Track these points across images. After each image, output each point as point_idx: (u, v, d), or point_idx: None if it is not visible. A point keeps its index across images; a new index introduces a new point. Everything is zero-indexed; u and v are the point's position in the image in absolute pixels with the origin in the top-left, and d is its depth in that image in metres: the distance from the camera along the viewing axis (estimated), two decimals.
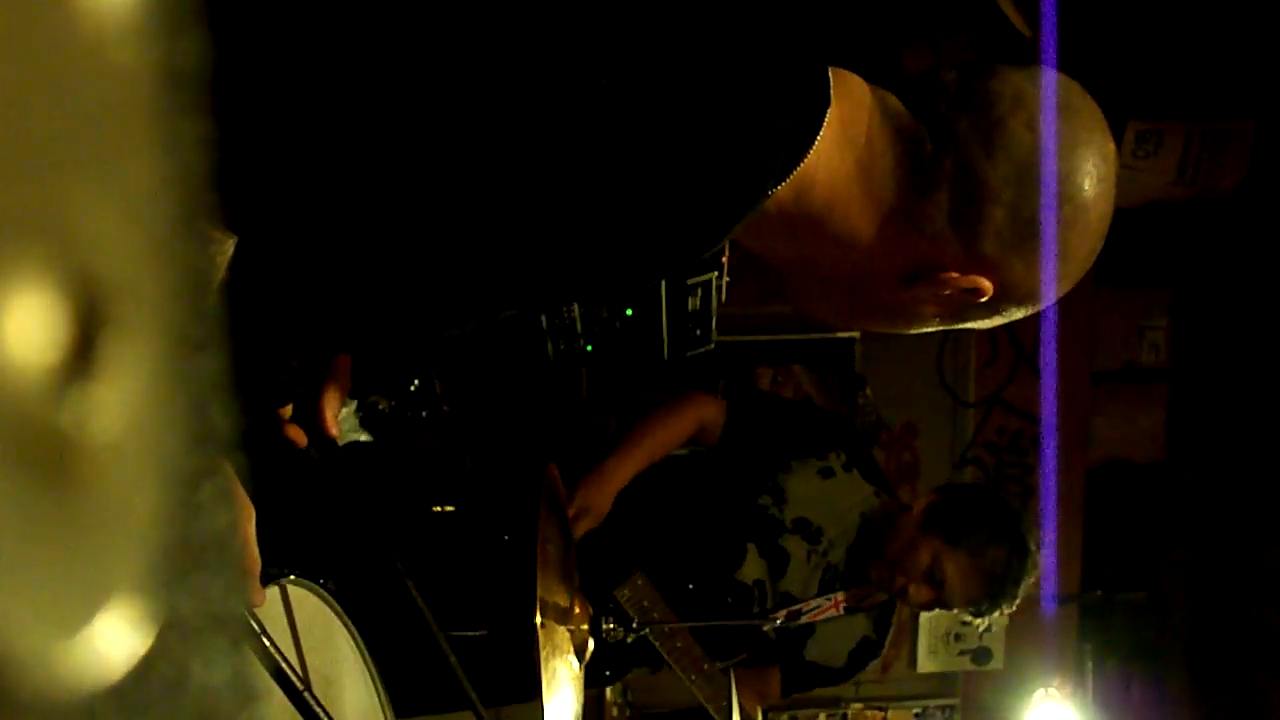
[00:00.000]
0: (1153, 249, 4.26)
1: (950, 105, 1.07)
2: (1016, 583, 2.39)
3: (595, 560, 2.37)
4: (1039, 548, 2.44)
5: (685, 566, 2.51)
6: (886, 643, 2.73)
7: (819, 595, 2.51)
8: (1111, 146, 1.11)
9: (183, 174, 0.31)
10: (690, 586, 2.49)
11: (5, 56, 0.25)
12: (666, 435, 2.54)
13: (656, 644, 2.37)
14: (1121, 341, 4.64)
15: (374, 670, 1.70)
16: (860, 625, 2.65)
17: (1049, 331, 4.23)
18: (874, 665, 3.43)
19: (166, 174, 0.30)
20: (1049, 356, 4.36)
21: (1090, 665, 4.54)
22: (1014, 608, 2.44)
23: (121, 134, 0.29)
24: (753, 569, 2.52)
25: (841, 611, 2.50)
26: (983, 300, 1.11)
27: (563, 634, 1.69)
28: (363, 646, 1.68)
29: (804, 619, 2.42)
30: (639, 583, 2.40)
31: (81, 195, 0.27)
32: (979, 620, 2.47)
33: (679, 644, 2.42)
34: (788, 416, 2.73)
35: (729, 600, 2.51)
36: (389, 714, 1.72)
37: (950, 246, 1.08)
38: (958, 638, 4.62)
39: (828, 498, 2.56)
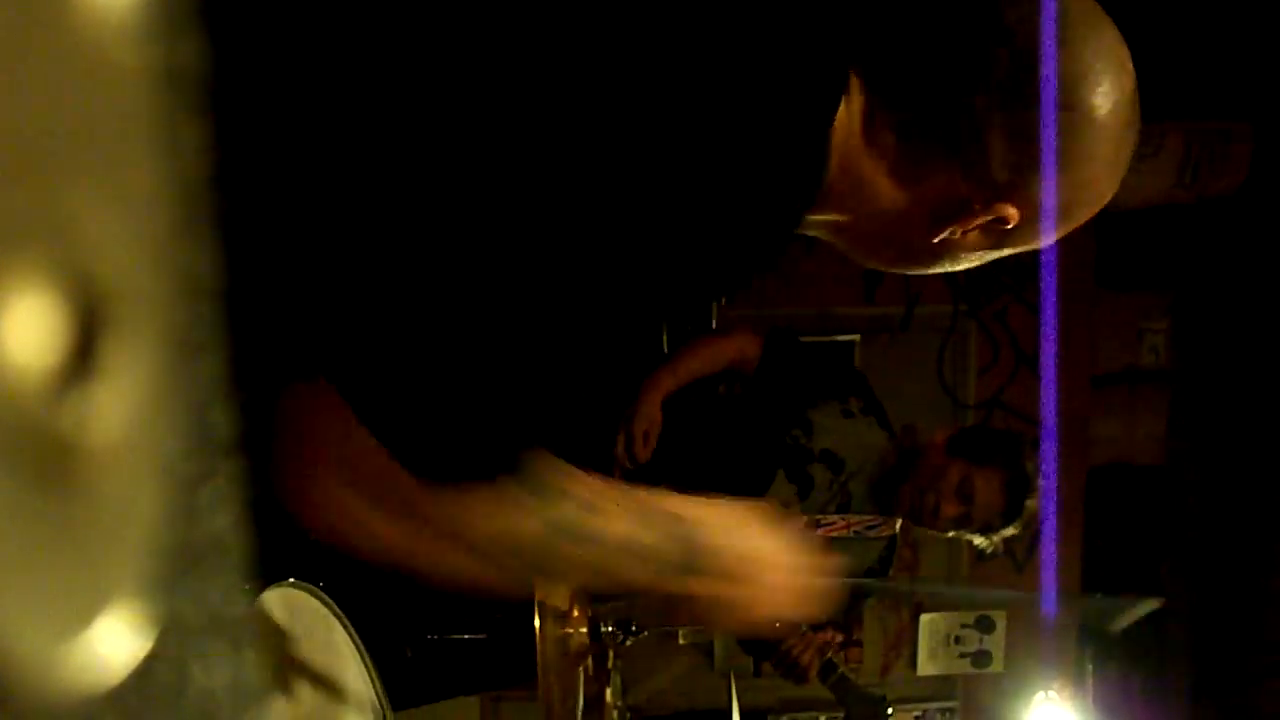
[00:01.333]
0: (1153, 251, 4.26)
1: (930, 49, 1.08)
2: (1024, 500, 2.62)
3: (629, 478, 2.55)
4: (1035, 471, 2.68)
5: (715, 487, 2.68)
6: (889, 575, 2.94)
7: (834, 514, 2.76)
8: (1124, 51, 1.10)
9: (183, 177, 0.31)
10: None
11: (6, 60, 0.25)
12: (709, 354, 2.85)
13: None
14: (1121, 344, 4.63)
15: (372, 670, 1.70)
16: (867, 556, 2.85)
17: (1049, 334, 4.23)
18: (873, 666, 3.46)
19: (167, 177, 0.30)
20: (1049, 359, 4.35)
21: (1090, 668, 4.54)
22: (1018, 529, 2.67)
23: (121, 137, 0.29)
24: (779, 491, 2.74)
25: (850, 534, 2.67)
26: (1012, 227, 1.10)
27: (561, 637, 1.69)
28: (361, 647, 1.67)
29: (818, 531, 2.58)
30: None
31: (82, 198, 0.27)
32: (983, 542, 2.67)
33: None
34: (815, 360, 3.01)
35: None
36: (388, 713, 1.72)
37: (964, 181, 1.07)
38: (957, 640, 4.62)
39: (849, 434, 2.80)
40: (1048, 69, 1.03)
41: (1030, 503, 2.62)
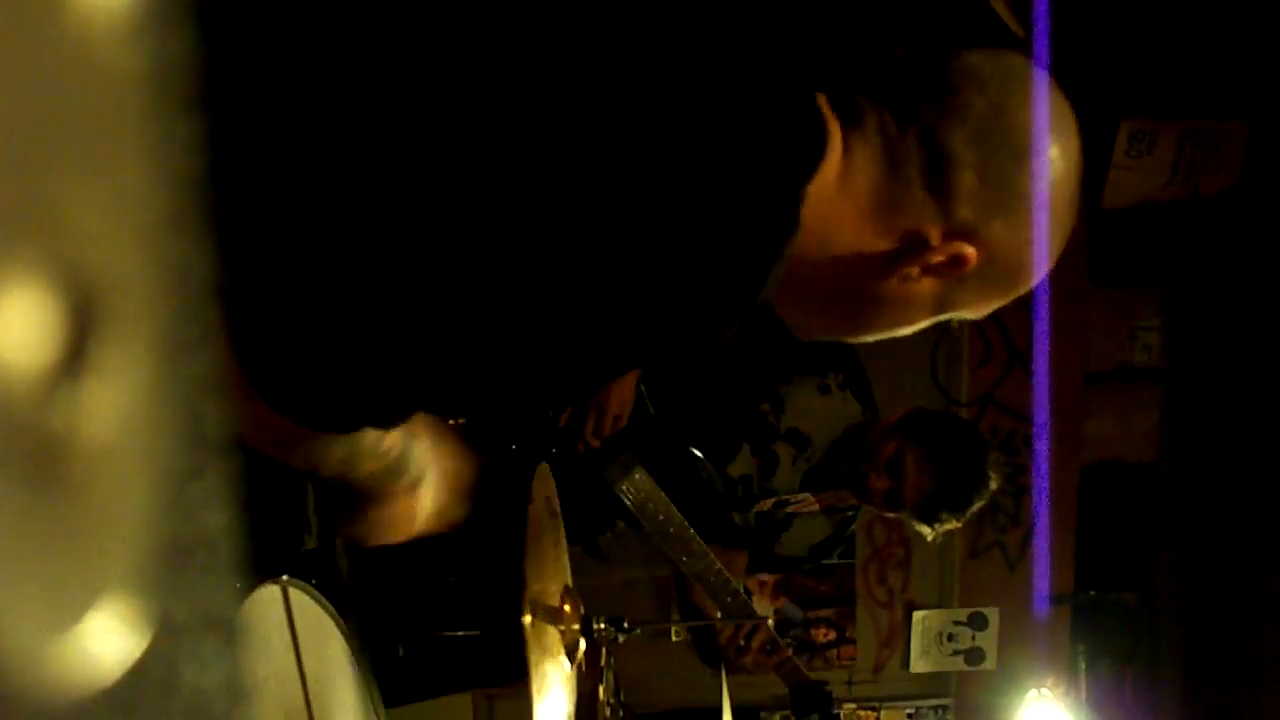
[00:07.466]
0: (1146, 249, 4.26)
1: (908, 86, 1.13)
2: (967, 499, 2.54)
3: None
4: (997, 483, 2.59)
5: (678, 459, 2.71)
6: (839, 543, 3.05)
7: (801, 491, 2.76)
8: (1072, 121, 1.15)
9: (174, 172, 0.31)
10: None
11: None
12: None
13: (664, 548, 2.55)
14: (1114, 342, 4.64)
15: (367, 668, 1.70)
16: (825, 526, 2.97)
17: (1041, 331, 4.23)
18: (866, 663, 3.46)
19: (158, 173, 0.30)
20: (1042, 357, 4.36)
21: (1083, 666, 4.55)
22: (959, 524, 2.59)
23: (112, 133, 0.29)
24: (742, 466, 2.74)
25: (819, 509, 2.77)
26: (969, 270, 1.12)
27: (553, 635, 1.69)
28: (353, 644, 1.68)
29: (790, 509, 2.68)
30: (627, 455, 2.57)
31: (73, 194, 0.27)
32: (926, 530, 2.60)
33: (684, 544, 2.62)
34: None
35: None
36: (380, 711, 1.72)
37: (929, 219, 1.10)
38: (950, 638, 4.63)
39: (822, 412, 2.78)
40: (1019, 118, 1.09)
41: (978, 500, 2.56)
